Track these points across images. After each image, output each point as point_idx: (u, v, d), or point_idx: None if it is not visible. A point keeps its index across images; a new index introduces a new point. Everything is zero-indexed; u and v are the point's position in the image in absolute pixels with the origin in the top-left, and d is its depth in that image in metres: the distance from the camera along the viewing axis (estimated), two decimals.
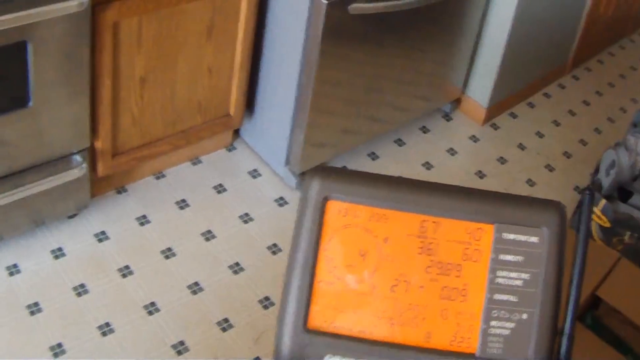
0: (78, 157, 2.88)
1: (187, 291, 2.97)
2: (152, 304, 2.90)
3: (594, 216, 3.28)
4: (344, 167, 3.59)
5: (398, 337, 0.77)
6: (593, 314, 2.60)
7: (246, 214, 3.31)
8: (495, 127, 4.06)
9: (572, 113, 4.28)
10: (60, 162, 2.86)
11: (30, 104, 2.65)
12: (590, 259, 2.54)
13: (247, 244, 3.20)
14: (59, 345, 2.73)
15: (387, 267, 0.78)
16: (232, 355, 2.81)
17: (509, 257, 0.78)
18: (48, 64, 2.61)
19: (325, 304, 0.77)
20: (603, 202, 3.26)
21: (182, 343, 2.81)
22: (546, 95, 4.36)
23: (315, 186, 0.78)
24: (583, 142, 4.09)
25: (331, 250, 0.78)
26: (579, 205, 0.81)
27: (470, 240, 0.78)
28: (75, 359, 2.71)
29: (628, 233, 3.23)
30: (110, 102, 2.88)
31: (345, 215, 0.77)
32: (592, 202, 0.78)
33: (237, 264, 3.11)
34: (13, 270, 2.92)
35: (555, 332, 0.78)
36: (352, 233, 0.77)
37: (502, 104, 4.09)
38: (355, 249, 0.77)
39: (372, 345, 0.77)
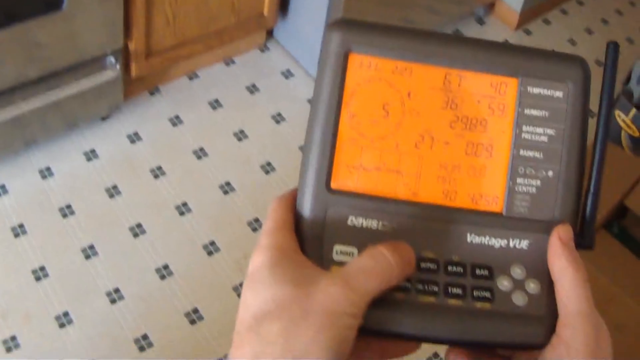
0: (111, 58, 2.89)
1: (219, 191, 3.01)
2: (184, 204, 2.94)
3: (623, 125, 3.28)
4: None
5: (423, 195, 0.76)
6: (620, 223, 2.62)
7: (278, 114, 3.33)
8: (528, 32, 4.04)
9: (604, 21, 4.23)
10: (94, 63, 2.86)
11: (64, 6, 2.64)
12: (619, 168, 2.57)
13: (279, 144, 3.22)
14: (91, 247, 2.79)
15: (411, 122, 0.76)
16: None
17: (534, 112, 0.77)
18: None
19: (348, 163, 0.76)
20: (633, 111, 3.25)
21: (212, 243, 2.86)
22: (579, 2, 4.31)
23: (337, 39, 0.75)
24: None
25: (353, 105, 0.76)
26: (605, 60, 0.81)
27: (495, 94, 0.77)
28: (107, 260, 2.76)
29: None
30: (144, 3, 2.87)
31: (368, 69, 0.76)
32: (617, 53, 0.78)
33: (268, 163, 3.14)
34: (46, 173, 2.95)
35: (581, 192, 0.78)
36: (375, 87, 0.76)
37: (535, 9, 4.05)
38: (378, 104, 0.76)
39: (396, 204, 0.76)
